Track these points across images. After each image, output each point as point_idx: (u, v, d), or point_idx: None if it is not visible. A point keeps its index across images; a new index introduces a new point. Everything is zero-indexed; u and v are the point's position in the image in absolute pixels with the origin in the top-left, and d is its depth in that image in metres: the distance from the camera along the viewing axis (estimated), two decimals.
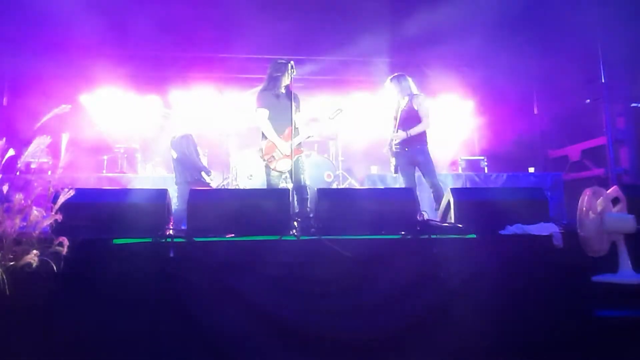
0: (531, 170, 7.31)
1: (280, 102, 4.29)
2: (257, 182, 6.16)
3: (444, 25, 6.64)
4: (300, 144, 4.35)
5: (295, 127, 4.21)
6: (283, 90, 4.34)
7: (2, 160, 2.29)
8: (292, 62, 4.25)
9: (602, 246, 2.67)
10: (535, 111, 8.73)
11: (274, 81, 4.31)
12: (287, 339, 2.55)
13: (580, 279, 2.70)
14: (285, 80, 4.29)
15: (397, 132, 4.68)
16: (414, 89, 4.81)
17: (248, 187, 6.19)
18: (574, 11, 6.20)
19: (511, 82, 7.91)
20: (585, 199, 2.84)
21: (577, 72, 7.26)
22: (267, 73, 4.43)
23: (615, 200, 2.82)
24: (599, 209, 2.72)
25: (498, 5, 6.21)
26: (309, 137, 4.48)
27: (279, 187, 4.44)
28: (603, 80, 7.04)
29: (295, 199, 4.15)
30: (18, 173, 2.44)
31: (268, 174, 4.37)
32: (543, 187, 6.26)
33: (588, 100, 7.53)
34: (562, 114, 8.05)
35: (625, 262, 2.65)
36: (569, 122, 7.94)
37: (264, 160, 4.32)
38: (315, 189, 3.40)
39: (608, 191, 2.81)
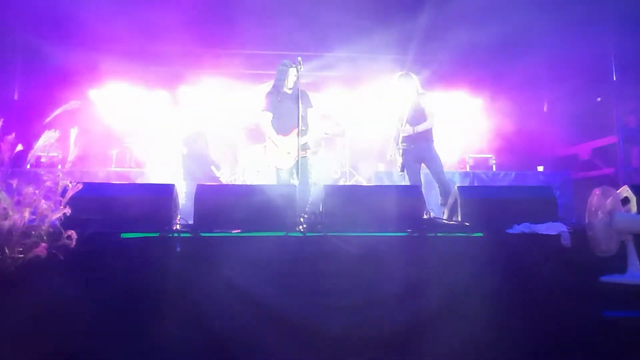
0: (540, 168, 7.24)
1: (285, 104, 4.38)
2: (265, 177, 6.18)
3: (453, 22, 6.59)
4: (306, 143, 4.41)
5: (302, 127, 4.29)
6: (289, 92, 4.39)
7: (12, 154, 2.31)
8: (299, 58, 4.27)
9: (610, 246, 2.65)
10: (545, 109, 8.65)
11: (277, 84, 4.45)
12: (292, 336, 2.55)
13: (588, 279, 2.68)
14: (290, 83, 4.36)
15: (404, 126, 4.68)
16: (420, 87, 4.81)
17: (255, 182, 6.22)
18: (586, 8, 6.13)
19: (521, 80, 7.84)
20: (594, 198, 2.81)
21: (588, 69, 7.17)
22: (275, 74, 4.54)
23: (625, 200, 2.79)
24: (608, 208, 2.69)
25: (507, 3, 6.15)
26: (326, 134, 4.57)
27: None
28: (614, 78, 6.95)
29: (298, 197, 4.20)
30: (28, 166, 2.47)
31: (278, 171, 4.48)
32: (552, 185, 6.20)
33: (599, 99, 7.45)
34: (572, 112, 7.96)
35: (634, 262, 2.62)
36: (579, 120, 7.85)
37: (266, 156, 4.52)
38: (322, 185, 3.40)
39: (618, 190, 2.78)
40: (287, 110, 4.34)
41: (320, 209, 3.22)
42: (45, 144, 2.38)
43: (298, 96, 4.26)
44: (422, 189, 4.53)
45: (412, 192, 3.34)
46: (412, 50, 7.41)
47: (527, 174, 6.84)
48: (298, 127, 4.19)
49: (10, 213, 2.24)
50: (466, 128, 8.30)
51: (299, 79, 4.32)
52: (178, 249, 2.61)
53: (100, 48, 6.94)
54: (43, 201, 2.33)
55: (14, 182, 2.30)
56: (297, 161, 4.23)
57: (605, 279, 2.65)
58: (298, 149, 4.16)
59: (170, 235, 2.66)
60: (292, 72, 4.34)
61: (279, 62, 4.54)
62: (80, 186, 2.46)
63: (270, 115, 4.41)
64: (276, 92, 4.44)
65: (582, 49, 6.77)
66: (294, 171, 4.48)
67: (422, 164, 4.73)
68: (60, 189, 2.42)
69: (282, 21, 6.54)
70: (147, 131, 7.43)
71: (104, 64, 7.17)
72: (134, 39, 6.74)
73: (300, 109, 4.22)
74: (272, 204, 3.08)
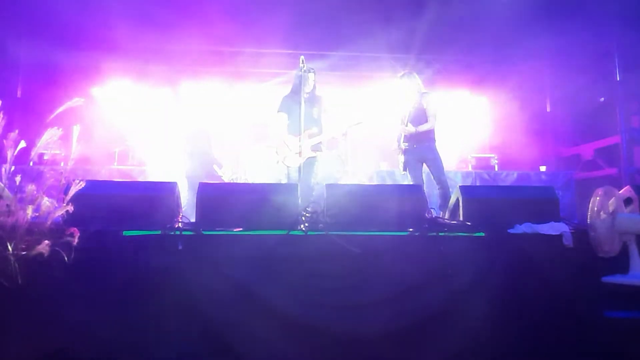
0: (542, 168, 7.23)
1: (300, 107, 4.49)
2: (267, 176, 6.18)
3: (456, 22, 6.58)
4: (319, 144, 4.63)
5: (316, 129, 4.56)
6: (306, 95, 4.56)
7: (15, 152, 2.32)
8: (302, 57, 4.35)
9: (613, 247, 2.64)
10: (548, 109, 8.62)
11: (294, 88, 4.69)
12: (294, 334, 2.56)
13: (590, 279, 2.67)
14: (307, 88, 4.54)
15: (406, 126, 4.68)
16: (422, 87, 4.81)
17: (258, 181, 6.22)
18: (589, 7, 6.11)
19: (523, 79, 7.82)
20: (596, 198, 2.81)
21: (592, 69, 7.15)
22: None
23: (627, 201, 2.78)
24: (610, 209, 2.69)
25: (511, 1, 6.13)
26: (334, 137, 4.77)
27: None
28: (618, 78, 6.93)
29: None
30: (31, 164, 2.48)
31: (288, 169, 4.67)
32: (554, 186, 6.17)
33: (602, 98, 7.42)
34: (575, 112, 7.94)
35: (636, 263, 2.61)
36: (582, 120, 7.82)
37: (277, 154, 4.69)
38: (324, 184, 3.40)
39: (620, 191, 2.77)
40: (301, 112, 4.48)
41: (322, 208, 3.22)
42: (48, 141, 2.38)
43: (313, 100, 4.58)
44: (424, 189, 4.55)
45: (414, 192, 3.33)
46: (415, 49, 7.40)
47: (529, 174, 6.84)
48: (300, 128, 4.35)
49: (14, 210, 2.25)
50: (468, 127, 8.30)
51: (316, 82, 4.59)
52: (180, 247, 2.62)
53: (103, 46, 6.95)
54: (46, 198, 2.33)
55: (17, 179, 2.30)
56: (302, 161, 4.44)
57: (607, 279, 2.64)
58: (300, 150, 4.40)
59: (172, 233, 2.67)
60: (310, 77, 4.58)
61: (281, 61, 4.64)
62: (82, 184, 2.47)
63: (284, 116, 4.66)
64: (293, 95, 4.65)
65: (586, 48, 6.74)
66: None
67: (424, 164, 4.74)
68: (62, 187, 2.43)
69: (285, 20, 6.54)
70: (150, 129, 7.44)
71: (107, 62, 7.18)
72: (137, 37, 6.74)
73: (315, 112, 4.54)
74: (274, 202, 3.08)
